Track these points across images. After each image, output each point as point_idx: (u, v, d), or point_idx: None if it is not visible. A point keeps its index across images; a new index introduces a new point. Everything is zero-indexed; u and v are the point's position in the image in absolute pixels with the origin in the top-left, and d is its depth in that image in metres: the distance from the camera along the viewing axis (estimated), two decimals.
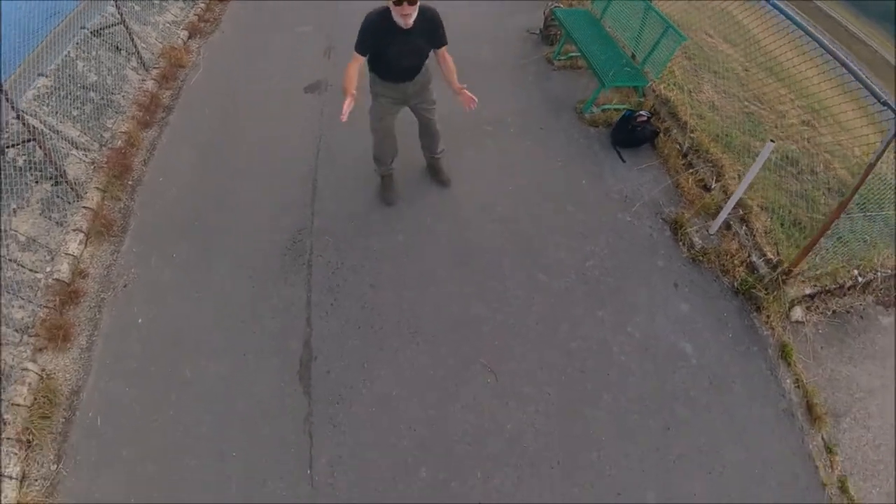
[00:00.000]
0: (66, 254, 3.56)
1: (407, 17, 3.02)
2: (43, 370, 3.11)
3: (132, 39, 4.79)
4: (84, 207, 3.81)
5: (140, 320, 3.40)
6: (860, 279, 4.08)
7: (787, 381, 3.59)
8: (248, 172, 4.29)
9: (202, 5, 5.99)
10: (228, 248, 3.79)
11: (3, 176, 3.54)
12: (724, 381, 3.47)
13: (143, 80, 4.88)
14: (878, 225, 4.35)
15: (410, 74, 3.41)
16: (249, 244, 3.81)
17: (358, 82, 3.19)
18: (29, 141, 3.64)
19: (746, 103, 5.19)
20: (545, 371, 3.35)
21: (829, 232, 3.75)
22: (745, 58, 5.82)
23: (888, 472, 3.41)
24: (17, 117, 3.43)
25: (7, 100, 3.34)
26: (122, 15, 4.64)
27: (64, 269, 3.49)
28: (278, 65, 5.33)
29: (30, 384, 2.99)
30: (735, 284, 3.90)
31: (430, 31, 3.23)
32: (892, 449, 3.51)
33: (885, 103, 3.27)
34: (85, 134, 4.21)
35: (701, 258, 4.00)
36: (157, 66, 5.05)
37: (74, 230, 3.69)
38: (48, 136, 3.90)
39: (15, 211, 3.59)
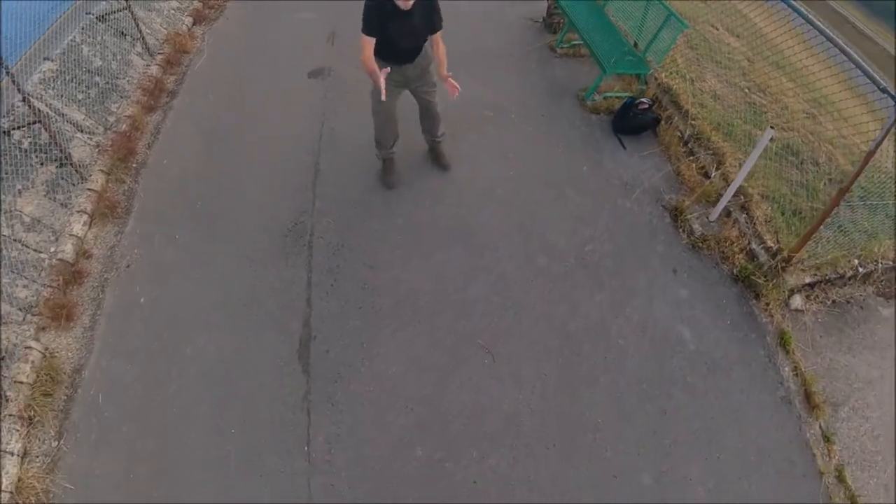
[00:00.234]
0: (71, 235, 3.60)
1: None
2: (46, 348, 3.15)
3: (137, 25, 4.82)
4: (88, 189, 3.84)
5: (142, 300, 3.44)
6: (861, 269, 4.08)
7: (786, 368, 3.60)
8: (252, 156, 4.32)
9: None
10: (231, 229, 3.82)
11: (9, 157, 3.58)
12: (722, 366, 3.48)
13: (147, 66, 4.91)
14: (880, 216, 4.34)
15: (410, 56, 3.44)
16: (251, 226, 3.84)
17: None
18: (34, 123, 3.68)
19: (749, 94, 5.18)
20: (543, 352, 3.37)
21: (828, 221, 3.74)
22: (749, 50, 5.81)
23: (886, 462, 3.41)
24: (24, 100, 3.47)
25: (14, 82, 3.38)
26: (127, 0, 4.66)
27: (68, 250, 3.52)
28: (282, 51, 5.36)
29: (33, 362, 3.03)
30: (734, 271, 3.90)
31: (428, 14, 3.26)
32: (890, 440, 3.51)
33: (884, 90, 3.26)
34: (90, 117, 4.24)
35: (700, 245, 4.00)
36: (161, 51, 5.08)
37: (79, 212, 3.72)
38: (53, 119, 3.93)
39: (20, 192, 3.63)
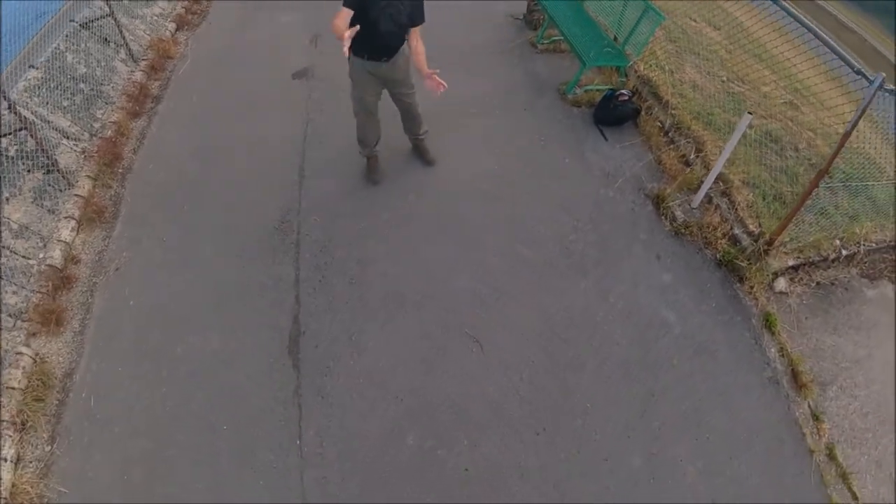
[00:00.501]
0: (59, 240, 3.61)
1: None
2: (36, 354, 3.16)
3: (121, 32, 4.85)
4: (75, 195, 3.86)
5: (132, 302, 3.46)
6: (843, 251, 4.13)
7: (772, 349, 3.63)
8: (237, 157, 4.35)
9: None
10: (218, 230, 3.84)
11: None
12: (708, 349, 3.52)
13: (131, 72, 4.94)
14: (861, 199, 4.39)
15: (388, 50, 3.43)
16: (239, 226, 3.87)
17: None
18: (21, 130, 3.69)
19: (729, 84, 5.25)
20: (529, 340, 3.41)
21: (809, 203, 3.80)
22: (728, 41, 5.88)
23: (876, 440, 3.44)
24: (9, 108, 3.49)
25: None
26: (110, 8, 4.70)
27: (56, 256, 3.54)
28: (266, 53, 5.40)
29: (24, 368, 3.03)
30: (717, 256, 3.95)
31: (412, 4, 3.27)
32: (880, 417, 3.55)
33: (858, 72, 3.33)
34: (75, 124, 4.26)
35: (683, 231, 4.05)
36: (145, 57, 5.11)
37: (66, 217, 3.74)
38: (39, 127, 3.95)
39: (7, 199, 3.65)
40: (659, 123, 4.74)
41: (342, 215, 3.95)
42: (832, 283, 4.18)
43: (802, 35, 3.74)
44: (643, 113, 4.82)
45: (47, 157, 3.79)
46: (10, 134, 3.73)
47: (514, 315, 3.51)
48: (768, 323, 3.72)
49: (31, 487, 2.70)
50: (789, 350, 3.63)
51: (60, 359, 3.20)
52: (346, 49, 2.99)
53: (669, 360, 3.42)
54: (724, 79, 5.20)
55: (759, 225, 3.98)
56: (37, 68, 4.18)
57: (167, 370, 3.17)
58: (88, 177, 4.00)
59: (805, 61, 4.11)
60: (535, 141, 4.68)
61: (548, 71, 5.41)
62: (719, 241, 3.98)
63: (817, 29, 3.59)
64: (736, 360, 3.51)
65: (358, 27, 3.00)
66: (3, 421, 2.84)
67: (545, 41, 5.67)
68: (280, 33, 5.72)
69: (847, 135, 3.41)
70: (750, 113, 3.66)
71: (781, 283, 3.97)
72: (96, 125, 4.41)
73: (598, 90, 5.03)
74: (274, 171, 4.24)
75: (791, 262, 3.98)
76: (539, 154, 4.57)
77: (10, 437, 2.83)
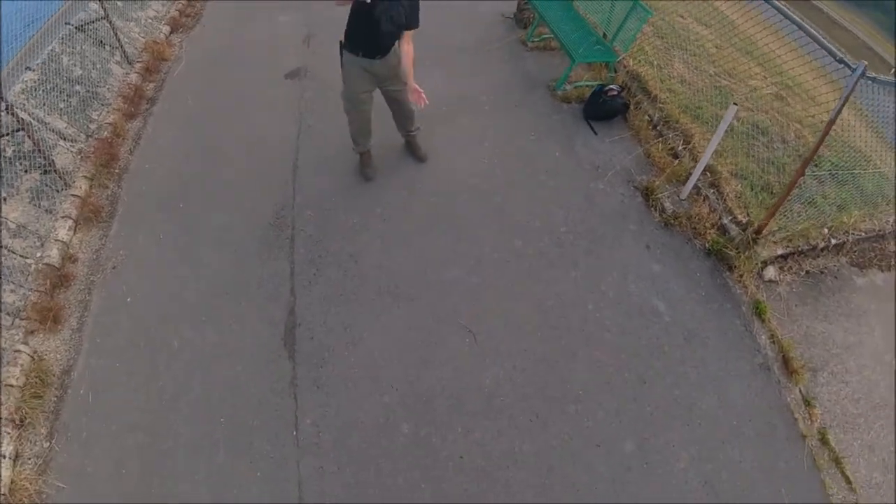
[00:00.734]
0: (56, 240, 3.65)
1: None
2: (34, 352, 3.18)
3: (115, 34, 4.89)
4: (72, 195, 3.90)
5: (129, 299, 3.49)
6: (832, 240, 4.18)
7: (762, 336, 3.67)
8: (232, 156, 4.39)
9: (183, 1, 6.12)
10: (214, 227, 3.88)
11: None
12: (699, 336, 3.56)
13: (127, 74, 4.99)
14: (848, 188, 4.45)
15: (383, 48, 3.47)
16: (234, 223, 3.91)
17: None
18: (18, 131, 3.73)
19: (717, 78, 5.31)
20: (522, 329, 3.45)
21: (797, 192, 3.85)
22: (717, 37, 5.95)
23: (868, 424, 3.49)
24: (7, 109, 3.53)
25: None
26: (105, 11, 4.75)
27: (54, 255, 3.57)
28: (259, 54, 5.45)
29: (22, 365, 3.06)
30: (707, 246, 4.00)
31: (411, 7, 3.32)
32: (871, 403, 3.59)
33: (840, 60, 3.39)
34: (72, 125, 4.31)
35: (672, 222, 4.11)
36: (140, 59, 5.16)
37: (63, 217, 3.77)
38: (36, 128, 3.99)
39: (5, 199, 3.68)
40: (648, 117, 4.80)
41: (336, 210, 3.99)
42: (821, 272, 4.23)
43: (787, 27, 3.80)
44: (632, 107, 4.89)
45: (44, 158, 3.83)
46: (7, 135, 3.77)
47: (507, 305, 3.56)
48: (758, 310, 3.76)
49: (30, 484, 2.72)
50: (780, 337, 3.67)
51: (58, 356, 3.23)
52: None
53: (660, 348, 3.46)
54: (712, 73, 5.27)
55: (748, 214, 4.03)
56: (33, 70, 4.23)
57: (164, 365, 3.20)
58: (85, 177, 4.04)
59: (790, 52, 4.17)
60: (526, 136, 4.73)
61: (538, 68, 5.48)
62: (708, 231, 4.03)
63: (799, 20, 3.66)
64: (726, 347, 3.55)
65: None
66: (1, 418, 2.86)
67: (535, 39, 5.74)
68: (273, 34, 5.78)
69: (831, 122, 3.47)
70: (735, 104, 3.72)
71: (771, 272, 4.02)
72: (92, 126, 4.45)
73: (587, 86, 5.09)
74: (268, 168, 4.29)
75: (780, 251, 4.03)
76: (530, 149, 4.62)
77: (9, 433, 2.84)
